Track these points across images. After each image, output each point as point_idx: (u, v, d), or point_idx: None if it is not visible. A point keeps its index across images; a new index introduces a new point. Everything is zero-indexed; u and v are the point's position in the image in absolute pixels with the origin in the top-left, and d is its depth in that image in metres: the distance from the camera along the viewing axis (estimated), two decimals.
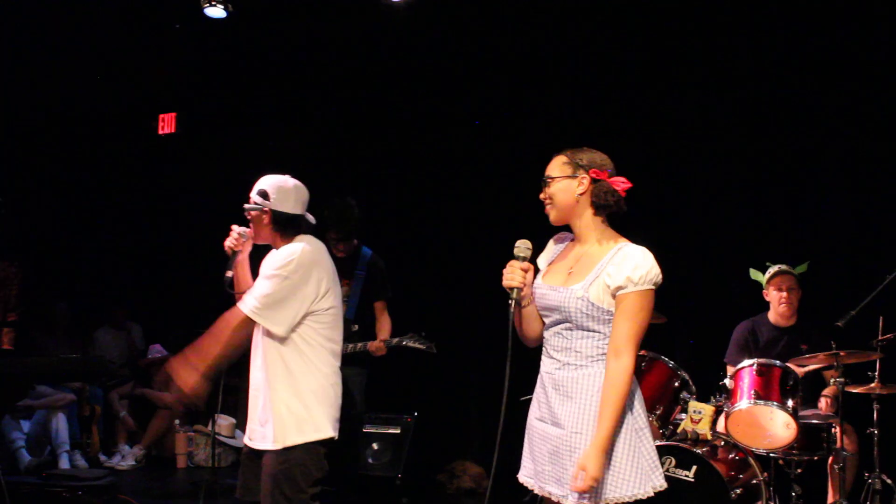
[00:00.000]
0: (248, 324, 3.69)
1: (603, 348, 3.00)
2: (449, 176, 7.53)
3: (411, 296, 7.02)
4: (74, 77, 8.01)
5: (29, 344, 6.45)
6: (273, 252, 3.85)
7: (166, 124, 8.69)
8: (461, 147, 7.43)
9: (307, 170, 7.15)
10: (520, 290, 3.08)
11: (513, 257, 3.10)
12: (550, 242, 3.31)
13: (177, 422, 7.96)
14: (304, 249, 3.75)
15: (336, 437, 3.79)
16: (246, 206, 3.87)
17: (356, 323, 5.55)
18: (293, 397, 3.71)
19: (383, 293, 5.68)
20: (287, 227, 3.86)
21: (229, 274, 3.90)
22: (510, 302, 3.08)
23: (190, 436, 7.91)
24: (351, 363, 5.26)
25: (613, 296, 2.97)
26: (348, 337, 5.31)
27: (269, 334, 3.74)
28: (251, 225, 3.92)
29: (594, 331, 3.00)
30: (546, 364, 3.12)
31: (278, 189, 3.86)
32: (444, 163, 7.52)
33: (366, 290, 5.62)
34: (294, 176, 3.90)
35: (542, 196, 3.17)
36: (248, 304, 3.68)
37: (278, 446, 3.69)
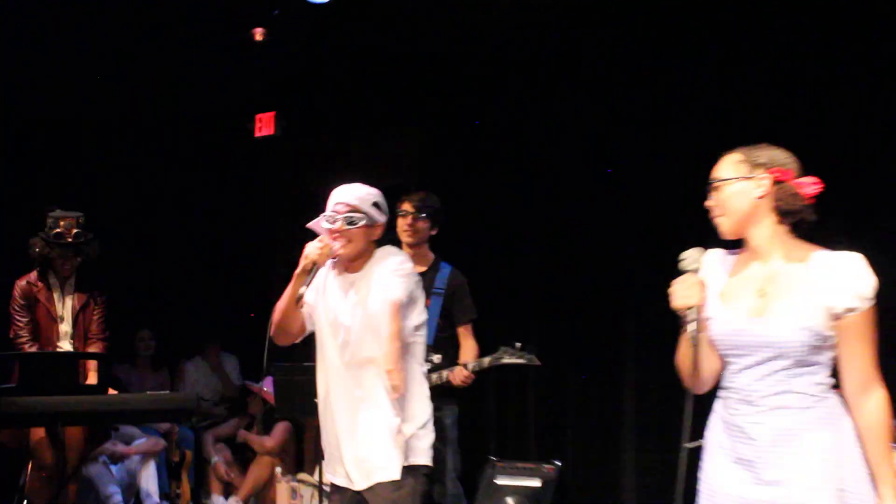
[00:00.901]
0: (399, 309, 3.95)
1: (825, 382, 2.93)
2: (591, 177, 7.31)
3: (552, 319, 7.12)
4: (160, 75, 7.96)
5: (108, 378, 6.38)
6: (388, 257, 4.10)
7: (264, 125, 8.58)
8: (601, 150, 7.20)
9: (424, 177, 7.20)
10: (698, 310, 3.02)
11: (681, 272, 3.07)
12: (709, 258, 3.19)
13: (278, 470, 7.82)
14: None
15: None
16: (354, 216, 4.00)
17: (438, 352, 5.46)
18: (403, 422, 3.98)
19: (468, 315, 5.60)
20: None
21: (304, 290, 4.00)
22: (684, 325, 3.01)
23: (293, 486, 7.71)
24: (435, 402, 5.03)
25: (837, 318, 2.90)
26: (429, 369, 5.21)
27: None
28: (348, 237, 4.01)
29: (814, 364, 2.92)
30: (742, 412, 3.00)
31: (384, 201, 4.14)
32: (576, 165, 7.32)
33: (446, 313, 5.53)
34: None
35: (708, 203, 3.12)
36: (396, 292, 3.93)
37: (395, 474, 3.93)
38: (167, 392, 7.66)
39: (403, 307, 3.95)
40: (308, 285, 3.97)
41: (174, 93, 8.35)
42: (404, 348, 3.97)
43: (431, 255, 5.61)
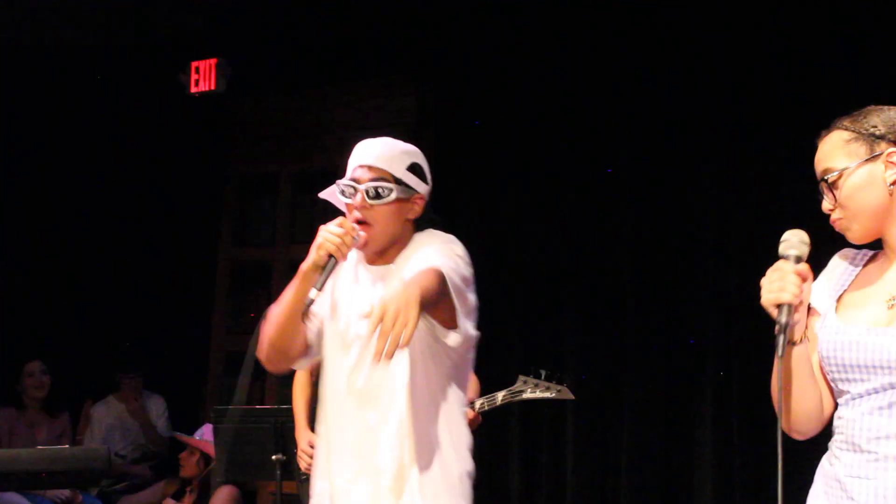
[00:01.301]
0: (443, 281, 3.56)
1: None
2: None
3: (591, 331, 7.12)
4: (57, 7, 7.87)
5: None
6: (428, 240, 3.85)
7: (202, 78, 8.55)
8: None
9: (422, 144, 7.38)
10: (792, 309, 2.80)
11: (779, 257, 2.91)
12: (835, 262, 3.11)
13: None
14: None
15: None
16: (381, 185, 3.76)
17: None
18: (447, 470, 3.74)
19: None
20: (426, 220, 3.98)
21: (315, 294, 3.66)
22: (777, 329, 2.78)
23: None
24: None
25: None
26: None
27: (421, 368, 3.72)
28: (372, 216, 3.78)
29: None
30: (844, 461, 2.86)
31: (425, 163, 3.90)
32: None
33: None
34: None
35: (826, 207, 2.97)
36: (445, 267, 3.59)
37: None
38: (66, 447, 7.24)
39: (456, 288, 3.58)
40: (321, 288, 3.65)
41: (79, 32, 8.42)
42: (447, 373, 3.75)
43: None
